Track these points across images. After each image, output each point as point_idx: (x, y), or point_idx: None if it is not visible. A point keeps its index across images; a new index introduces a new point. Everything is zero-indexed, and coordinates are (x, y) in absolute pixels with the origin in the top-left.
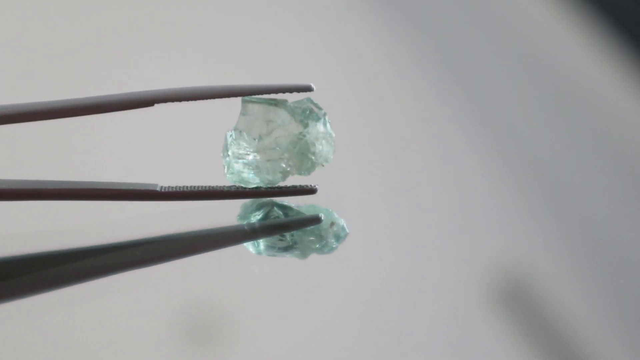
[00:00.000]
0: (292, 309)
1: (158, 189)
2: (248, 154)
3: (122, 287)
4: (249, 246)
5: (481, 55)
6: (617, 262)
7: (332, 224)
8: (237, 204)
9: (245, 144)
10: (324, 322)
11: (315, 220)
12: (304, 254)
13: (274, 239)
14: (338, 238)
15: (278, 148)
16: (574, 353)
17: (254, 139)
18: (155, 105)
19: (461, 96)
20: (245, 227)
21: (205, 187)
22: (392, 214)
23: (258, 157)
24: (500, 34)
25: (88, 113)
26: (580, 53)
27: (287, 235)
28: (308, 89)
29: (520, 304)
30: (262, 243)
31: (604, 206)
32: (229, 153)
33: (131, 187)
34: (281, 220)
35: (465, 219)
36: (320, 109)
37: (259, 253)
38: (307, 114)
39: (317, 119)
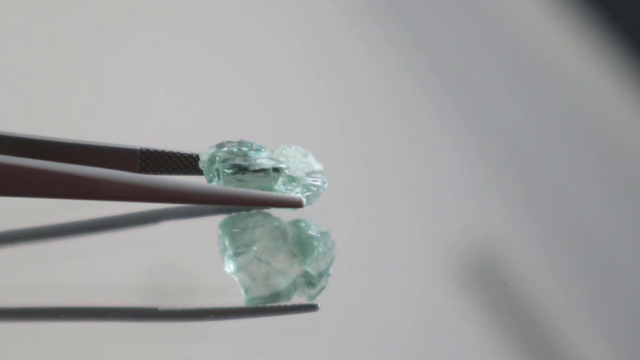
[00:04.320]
0: None
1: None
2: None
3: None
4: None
5: (453, 30)
6: (587, 237)
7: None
8: None
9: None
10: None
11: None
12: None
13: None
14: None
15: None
16: (543, 329)
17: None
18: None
19: (431, 68)
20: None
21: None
22: (360, 188)
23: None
24: (472, 12)
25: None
26: (556, 35)
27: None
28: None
29: (489, 280)
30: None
31: (575, 180)
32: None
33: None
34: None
35: (434, 194)
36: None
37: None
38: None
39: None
